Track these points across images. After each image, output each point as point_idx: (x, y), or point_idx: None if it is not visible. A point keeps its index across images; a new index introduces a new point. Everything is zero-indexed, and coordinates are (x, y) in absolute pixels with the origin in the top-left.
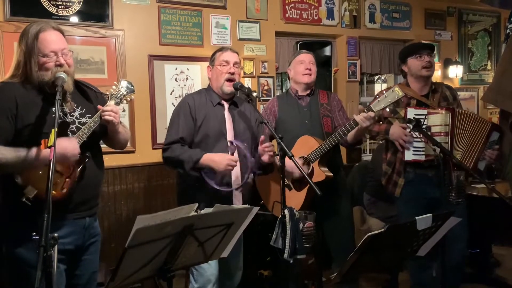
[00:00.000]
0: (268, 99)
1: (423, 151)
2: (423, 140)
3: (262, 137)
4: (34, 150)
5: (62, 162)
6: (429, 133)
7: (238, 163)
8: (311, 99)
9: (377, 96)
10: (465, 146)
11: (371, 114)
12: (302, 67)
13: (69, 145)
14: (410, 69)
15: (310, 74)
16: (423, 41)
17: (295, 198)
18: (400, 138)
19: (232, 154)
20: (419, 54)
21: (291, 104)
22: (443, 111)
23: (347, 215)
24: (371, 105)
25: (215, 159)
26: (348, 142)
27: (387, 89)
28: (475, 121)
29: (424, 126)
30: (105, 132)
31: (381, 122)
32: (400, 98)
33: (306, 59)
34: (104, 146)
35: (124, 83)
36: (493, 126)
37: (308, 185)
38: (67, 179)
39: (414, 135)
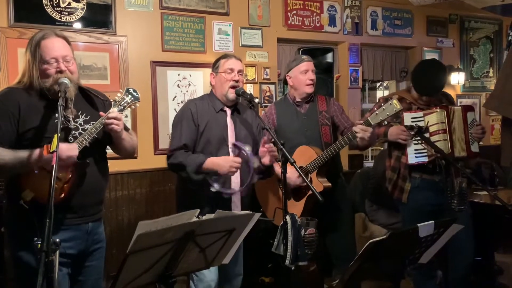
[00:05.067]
0: None
1: (425, 152)
2: (423, 144)
3: (265, 138)
4: (31, 151)
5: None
6: (428, 133)
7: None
8: (310, 106)
9: (375, 108)
10: (460, 139)
11: (369, 128)
12: (306, 77)
13: (65, 147)
14: None
15: (313, 84)
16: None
17: (294, 208)
18: (399, 136)
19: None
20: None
21: (289, 111)
22: (438, 109)
23: (347, 221)
24: (368, 118)
25: (219, 162)
26: (358, 146)
27: (385, 99)
28: (454, 112)
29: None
30: (111, 139)
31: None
32: (398, 111)
33: (309, 68)
34: (109, 152)
35: (129, 91)
36: (464, 108)
37: (307, 195)
38: (65, 185)
39: (413, 138)
